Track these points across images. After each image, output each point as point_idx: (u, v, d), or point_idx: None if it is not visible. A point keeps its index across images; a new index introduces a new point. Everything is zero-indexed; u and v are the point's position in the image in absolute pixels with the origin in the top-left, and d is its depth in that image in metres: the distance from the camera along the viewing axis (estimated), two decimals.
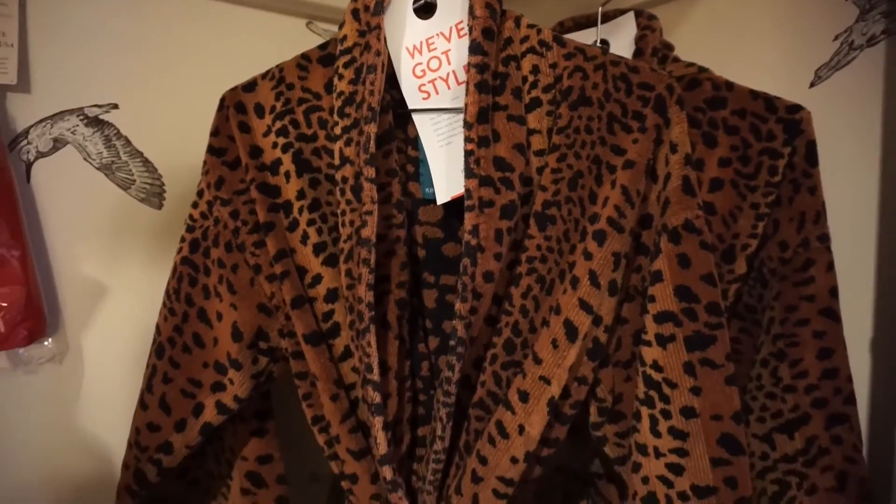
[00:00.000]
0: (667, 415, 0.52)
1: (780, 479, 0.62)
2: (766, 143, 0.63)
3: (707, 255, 0.52)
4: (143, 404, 0.63)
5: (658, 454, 0.52)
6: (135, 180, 0.74)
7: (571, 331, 0.53)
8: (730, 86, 0.66)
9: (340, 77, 0.58)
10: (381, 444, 0.54)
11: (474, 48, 0.53)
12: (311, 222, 0.59)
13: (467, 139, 0.53)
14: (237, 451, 0.68)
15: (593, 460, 0.70)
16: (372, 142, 0.54)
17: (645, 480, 0.53)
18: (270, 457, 0.68)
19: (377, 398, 0.54)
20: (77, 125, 0.70)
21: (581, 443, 0.66)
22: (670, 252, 0.52)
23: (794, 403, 0.61)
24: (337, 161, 0.58)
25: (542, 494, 0.75)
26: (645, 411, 0.53)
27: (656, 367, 0.53)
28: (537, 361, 0.54)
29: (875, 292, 0.62)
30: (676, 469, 0.52)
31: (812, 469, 0.60)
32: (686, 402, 0.51)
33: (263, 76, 0.62)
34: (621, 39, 0.73)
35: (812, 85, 0.66)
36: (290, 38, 0.85)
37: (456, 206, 0.57)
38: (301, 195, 0.60)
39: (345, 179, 0.57)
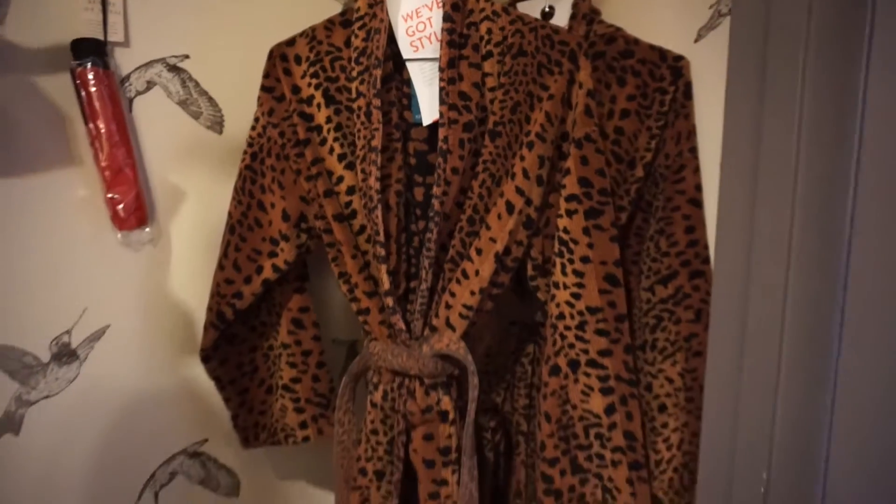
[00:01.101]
0: (571, 261, 0.79)
1: (658, 315, 0.89)
2: (659, 83, 0.88)
3: (599, 156, 0.79)
4: (220, 266, 0.90)
5: (565, 287, 0.80)
6: (202, 112, 0.99)
7: (510, 207, 0.80)
8: (636, 41, 0.90)
9: (356, 36, 0.83)
10: (385, 282, 0.81)
11: (445, 17, 0.78)
12: (336, 139, 0.85)
13: (440, 79, 0.78)
14: (284, 304, 0.96)
15: (537, 313, 0.97)
16: (378, 81, 0.80)
17: (557, 305, 0.81)
18: (308, 308, 0.96)
19: (382, 252, 0.80)
20: (161, 71, 0.95)
21: (528, 301, 0.93)
22: (576, 155, 0.79)
23: (668, 264, 0.88)
24: (353, 95, 0.83)
25: (501, 341, 1.04)
26: (558, 260, 0.80)
27: (565, 230, 0.79)
28: (488, 228, 0.81)
29: None
30: (577, 296, 0.79)
31: (678, 307, 0.87)
32: (584, 253, 0.78)
33: (300, 35, 0.87)
34: (563, 5, 0.96)
35: (696, 41, 0.90)
36: (316, 4, 1.09)
37: (437, 127, 0.83)
38: (328, 120, 0.85)
39: (360, 108, 0.82)
